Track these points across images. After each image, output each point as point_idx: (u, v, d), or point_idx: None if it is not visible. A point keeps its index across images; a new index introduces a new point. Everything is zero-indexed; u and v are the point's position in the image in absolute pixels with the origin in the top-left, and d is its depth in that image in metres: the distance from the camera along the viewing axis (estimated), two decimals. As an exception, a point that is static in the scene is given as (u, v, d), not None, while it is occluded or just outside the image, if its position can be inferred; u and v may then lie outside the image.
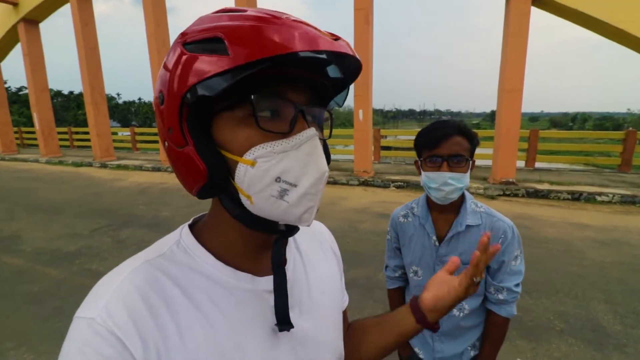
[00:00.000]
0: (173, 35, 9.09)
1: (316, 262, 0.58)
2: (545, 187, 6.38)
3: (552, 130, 22.17)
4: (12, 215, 5.54)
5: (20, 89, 28.49)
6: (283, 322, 0.46)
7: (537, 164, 8.78)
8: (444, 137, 1.01)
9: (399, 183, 7.14)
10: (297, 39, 0.37)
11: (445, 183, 1.01)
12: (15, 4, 10.94)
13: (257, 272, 0.48)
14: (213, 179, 0.42)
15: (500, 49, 6.63)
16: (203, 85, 0.38)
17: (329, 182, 7.63)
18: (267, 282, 0.47)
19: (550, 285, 3.04)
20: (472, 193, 6.42)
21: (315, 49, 0.37)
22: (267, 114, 0.40)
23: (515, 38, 6.24)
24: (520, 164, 8.56)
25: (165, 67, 0.41)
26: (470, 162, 1.04)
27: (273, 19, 0.38)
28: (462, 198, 1.11)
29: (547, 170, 8.25)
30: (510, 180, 6.61)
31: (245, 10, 0.40)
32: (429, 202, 1.15)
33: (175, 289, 0.43)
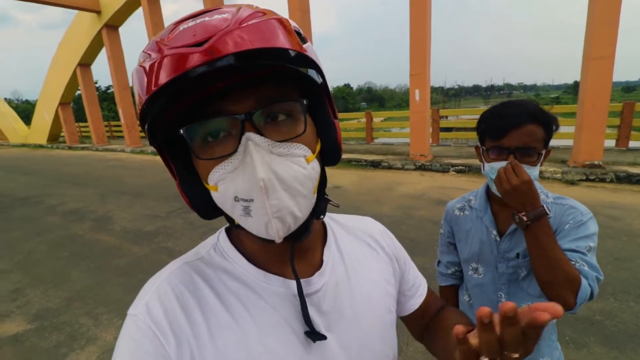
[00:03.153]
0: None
1: (362, 265, 0.55)
2: (641, 170, 5.45)
3: (656, 102, 18.53)
4: (104, 198, 6.43)
5: (108, 88, 32.49)
6: (312, 330, 0.45)
7: (632, 144, 7.50)
8: (513, 126, 0.86)
9: (460, 167, 6.68)
10: (160, 72, 0.35)
11: None
12: (98, 12, 12.35)
13: (288, 276, 0.47)
14: (198, 209, 0.45)
15: (587, 7, 5.67)
16: (147, 132, 0.40)
17: (383, 167, 7.46)
18: (302, 284, 0.47)
19: (641, 285, 2.63)
20: (547, 178, 5.77)
21: (180, 72, 0.34)
22: (209, 138, 0.39)
23: (606, -6, 5.28)
24: (610, 143, 7.40)
25: None
26: (544, 154, 0.90)
27: (151, 53, 0.37)
28: None
29: (646, 150, 7.02)
30: (596, 162, 5.76)
31: (145, 48, 0.39)
32: (489, 193, 1.05)
33: (208, 290, 0.45)
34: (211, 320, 0.43)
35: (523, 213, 0.84)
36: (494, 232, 1.01)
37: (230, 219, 0.45)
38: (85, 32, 13.27)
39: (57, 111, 16.22)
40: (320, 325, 0.47)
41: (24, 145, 18.59)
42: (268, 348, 0.43)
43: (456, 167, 6.74)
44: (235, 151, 0.38)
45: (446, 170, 6.82)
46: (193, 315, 0.43)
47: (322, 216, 0.47)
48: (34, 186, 8.00)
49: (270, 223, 0.39)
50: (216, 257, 0.48)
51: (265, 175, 0.37)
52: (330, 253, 0.52)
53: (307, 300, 0.46)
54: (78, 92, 16.20)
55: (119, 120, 14.90)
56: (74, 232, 4.70)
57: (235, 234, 0.50)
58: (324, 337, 0.45)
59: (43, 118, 17.30)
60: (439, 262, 1.23)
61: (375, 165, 7.66)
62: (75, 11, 12.99)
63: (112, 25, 12.61)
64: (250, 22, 0.36)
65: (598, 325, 2.23)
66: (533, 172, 0.90)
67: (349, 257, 0.54)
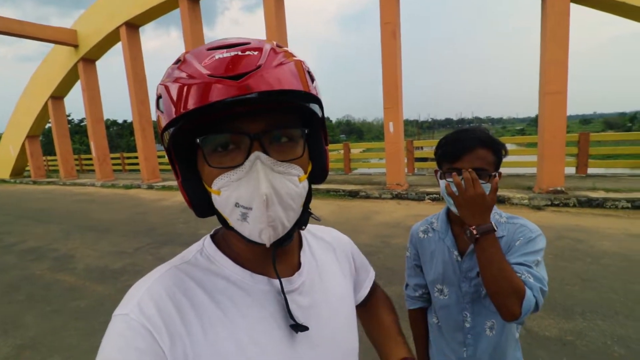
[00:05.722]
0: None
1: (331, 270, 0.62)
2: (600, 195, 5.80)
3: (607, 133, 20.28)
4: (67, 235, 6.06)
5: (81, 121, 31.83)
6: (295, 323, 0.49)
7: (590, 170, 8.04)
8: (465, 150, 0.94)
9: (435, 195, 6.87)
10: (200, 94, 0.40)
11: None
12: (76, 46, 12.36)
13: (272, 276, 0.52)
14: (195, 206, 0.49)
15: (539, 50, 6.27)
16: (163, 137, 0.46)
17: (361, 196, 7.55)
18: (283, 282, 0.51)
19: (607, 305, 2.70)
20: (515, 204, 6.01)
21: (214, 100, 0.40)
22: (220, 149, 0.45)
23: (554, 38, 5.89)
24: (571, 170, 7.90)
25: None
26: (496, 175, 0.96)
27: (190, 75, 0.42)
28: None
29: (602, 177, 7.52)
30: (559, 188, 6.10)
31: (179, 62, 0.46)
32: (449, 216, 1.09)
33: (199, 290, 0.48)
34: (204, 317, 0.46)
35: (473, 227, 0.87)
36: (455, 253, 1.04)
37: (223, 221, 0.50)
38: (61, 65, 13.16)
39: (23, 144, 15.58)
40: (300, 319, 0.51)
41: (-16, 180, 17.55)
42: (256, 339, 0.47)
43: (431, 196, 6.92)
44: (242, 164, 0.44)
45: (421, 199, 6.99)
46: (186, 314, 0.45)
47: (303, 227, 0.54)
48: (-9, 223, 7.47)
49: (264, 230, 0.44)
50: (202, 260, 0.52)
51: (267, 191, 0.43)
52: (305, 256, 0.59)
53: (288, 296, 0.51)
54: (48, 124, 15.74)
55: (90, 153, 14.47)
56: (32, 273, 4.35)
57: (222, 238, 0.54)
58: (306, 328, 0.50)
59: (8, 152, 16.51)
60: (407, 285, 1.23)
61: (353, 195, 7.74)
62: (52, 44, 12.94)
63: (89, 59, 12.60)
64: (274, 64, 0.43)
65: (570, 345, 2.26)
66: (487, 190, 0.95)
67: (320, 260, 0.61)
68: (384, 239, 4.70)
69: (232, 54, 0.43)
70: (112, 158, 15.22)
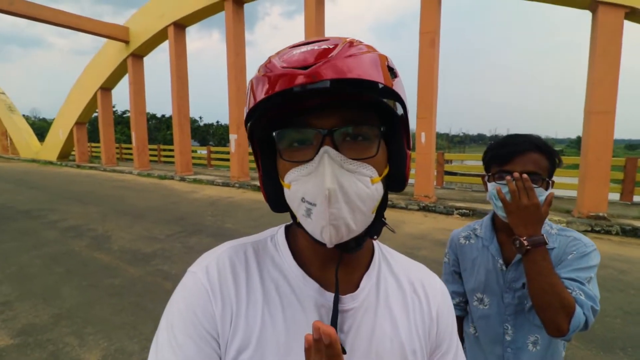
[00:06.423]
0: (249, 65, 10.01)
1: (391, 308, 0.53)
2: (648, 225, 5.38)
3: (659, 161, 18.61)
4: (105, 217, 6.42)
5: (124, 112, 33.68)
6: None
7: (636, 198, 7.49)
8: (517, 153, 0.91)
9: (464, 210, 6.66)
10: (271, 84, 0.41)
11: None
12: (127, 42, 13.17)
13: (324, 284, 0.50)
14: (270, 199, 0.52)
15: (587, 67, 5.97)
16: (248, 131, 0.48)
17: (387, 206, 7.44)
18: (331, 299, 0.49)
19: (653, 343, 2.50)
20: (551, 227, 5.70)
21: (280, 89, 0.40)
22: (295, 144, 0.45)
23: (604, 56, 5.58)
24: (614, 197, 7.39)
25: None
26: (549, 182, 0.92)
27: (269, 69, 0.43)
28: None
29: (651, 206, 6.97)
30: (601, 214, 5.73)
31: (264, 63, 0.47)
32: (494, 222, 1.06)
33: (256, 272, 0.50)
34: (250, 297, 0.48)
35: (524, 237, 0.84)
36: (500, 262, 1.00)
37: (293, 216, 0.50)
38: (112, 59, 14.05)
39: (72, 130, 16.72)
40: None
41: (33, 161, 18.96)
42: (288, 341, 0.47)
43: (460, 210, 6.71)
44: (312, 159, 0.42)
45: (450, 213, 6.79)
46: (240, 287, 0.49)
47: (376, 236, 0.50)
48: (37, 200, 8.05)
49: (325, 228, 0.43)
50: (270, 245, 0.54)
51: (331, 186, 0.41)
52: (368, 282, 0.53)
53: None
54: (94, 114, 16.80)
55: (129, 143, 15.27)
56: (71, 249, 4.65)
57: (292, 231, 0.55)
58: (344, 351, 0.44)
59: (57, 136, 17.80)
60: None
61: (378, 203, 7.65)
62: (105, 40, 13.86)
63: (138, 55, 13.37)
64: (347, 54, 0.41)
65: (609, 382, 2.10)
66: (541, 196, 0.90)
67: (384, 293, 0.53)
68: (409, 250, 4.60)
69: (309, 48, 0.43)
70: (150, 149, 15.97)
